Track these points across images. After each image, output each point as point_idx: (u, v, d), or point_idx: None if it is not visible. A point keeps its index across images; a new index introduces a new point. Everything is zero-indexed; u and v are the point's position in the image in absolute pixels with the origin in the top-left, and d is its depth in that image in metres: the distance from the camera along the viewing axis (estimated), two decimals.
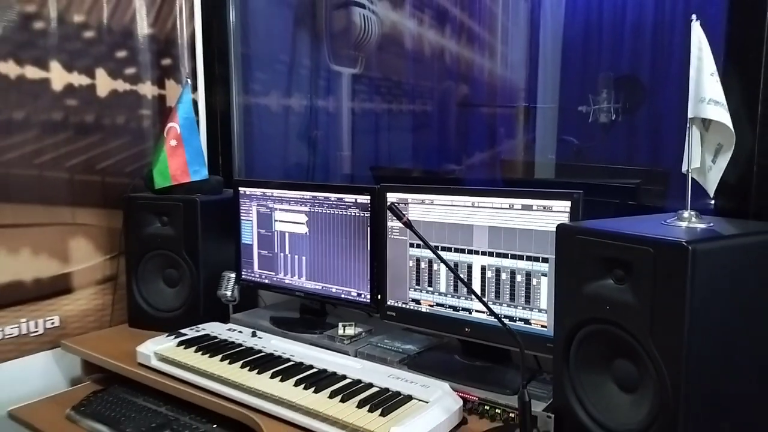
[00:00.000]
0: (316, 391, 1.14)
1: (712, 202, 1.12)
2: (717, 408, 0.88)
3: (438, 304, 1.28)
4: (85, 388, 1.53)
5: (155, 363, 1.38)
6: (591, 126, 2.00)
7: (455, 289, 1.25)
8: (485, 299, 1.20)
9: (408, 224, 1.02)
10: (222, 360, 1.31)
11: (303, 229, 1.53)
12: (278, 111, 2.33)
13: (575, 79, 2.11)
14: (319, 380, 1.18)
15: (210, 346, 1.39)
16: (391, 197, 1.32)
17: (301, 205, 1.52)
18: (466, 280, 1.22)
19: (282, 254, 1.59)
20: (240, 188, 1.66)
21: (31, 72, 1.57)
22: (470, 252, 1.21)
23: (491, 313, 1.04)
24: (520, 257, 1.15)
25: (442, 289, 1.27)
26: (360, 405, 1.07)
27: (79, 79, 1.68)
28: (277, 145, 2.35)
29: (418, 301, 1.32)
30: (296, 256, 1.55)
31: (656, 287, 0.86)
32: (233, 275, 1.67)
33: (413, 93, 2.41)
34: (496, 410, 1.12)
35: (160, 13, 1.88)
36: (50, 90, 1.62)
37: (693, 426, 0.86)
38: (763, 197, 1.12)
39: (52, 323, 1.66)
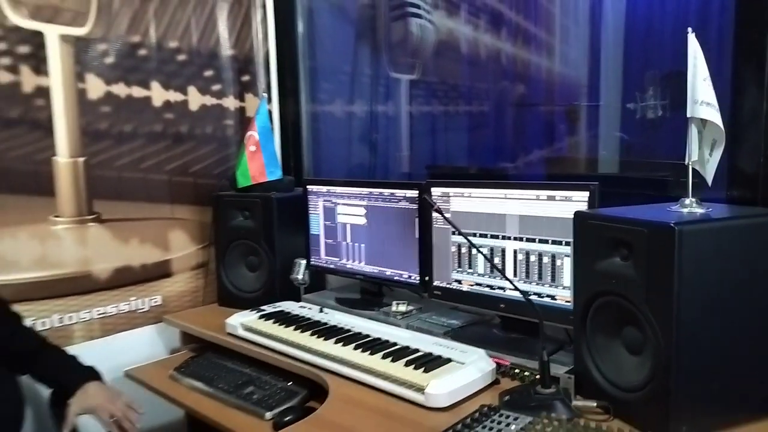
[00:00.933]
0: (371, 354, 1.36)
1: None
2: (707, 367, 1.02)
3: (477, 284, 1.48)
4: (183, 355, 1.83)
5: (241, 332, 1.65)
6: (639, 122, 2.09)
7: (491, 271, 1.44)
8: (517, 279, 1.38)
9: (438, 210, 1.22)
10: (295, 329, 1.56)
11: (362, 221, 1.76)
12: (342, 117, 2.57)
13: (627, 77, 2.18)
14: (375, 345, 1.40)
15: (285, 318, 1.65)
16: (436, 191, 1.53)
17: (359, 199, 1.76)
18: (500, 262, 1.40)
19: (344, 242, 1.83)
20: (308, 186, 1.92)
21: (137, 91, 1.89)
22: (504, 238, 1.40)
23: (516, 288, 1.22)
24: (546, 241, 1.33)
25: (480, 271, 1.47)
26: (407, 364, 1.28)
27: (174, 96, 1.99)
28: (341, 147, 2.59)
29: (459, 282, 1.52)
30: (356, 244, 1.79)
31: (650, 263, 1.01)
32: (304, 261, 1.92)
33: (469, 95, 2.55)
34: (525, 373, 1.29)
35: (240, 36, 2.17)
36: (151, 106, 1.93)
37: (684, 382, 1.01)
38: None
39: (156, 302, 1.98)
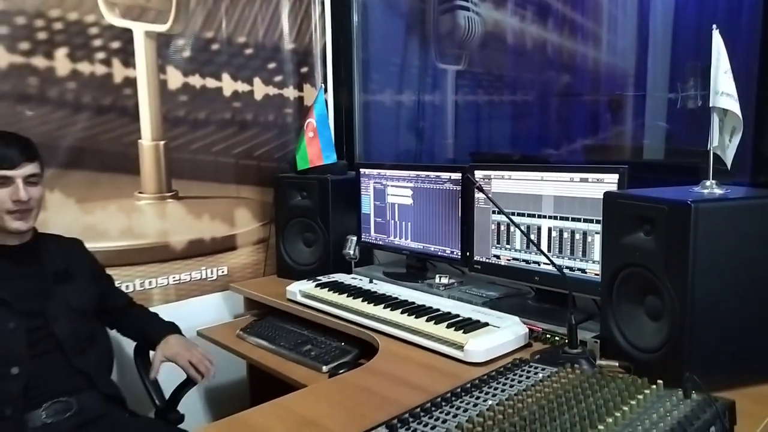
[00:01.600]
0: (416, 317, 1.52)
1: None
2: (718, 332, 1.13)
3: (514, 259, 1.62)
4: (247, 319, 2.04)
5: (300, 298, 1.85)
6: (679, 112, 2.16)
7: (527, 246, 1.58)
8: (551, 254, 1.52)
9: (480, 188, 1.37)
10: (348, 296, 1.74)
11: (408, 201, 1.92)
12: (391, 106, 2.73)
13: (674, 67, 2.23)
14: (419, 311, 1.56)
15: (339, 287, 1.83)
16: (478, 174, 1.67)
17: (407, 182, 1.92)
18: (536, 239, 1.54)
19: (392, 221, 2.00)
20: (360, 169, 2.09)
21: (210, 82, 2.11)
22: (539, 216, 1.54)
23: (550, 262, 1.36)
24: (579, 219, 1.46)
25: (517, 247, 1.61)
26: (448, 326, 1.44)
27: (242, 87, 2.20)
28: (390, 134, 2.75)
29: (498, 257, 1.66)
30: (403, 223, 1.96)
31: (669, 237, 1.13)
32: (355, 238, 2.10)
33: (514, 84, 2.64)
34: (555, 338, 1.43)
35: (300, 31, 2.36)
36: (222, 96, 2.15)
37: (697, 343, 1.12)
38: None
39: (222, 272, 2.21)
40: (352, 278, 1.95)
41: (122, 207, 1.92)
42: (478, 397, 1.02)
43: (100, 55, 1.82)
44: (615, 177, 1.38)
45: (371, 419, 1.05)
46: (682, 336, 1.13)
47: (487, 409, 0.94)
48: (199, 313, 2.11)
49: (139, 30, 1.90)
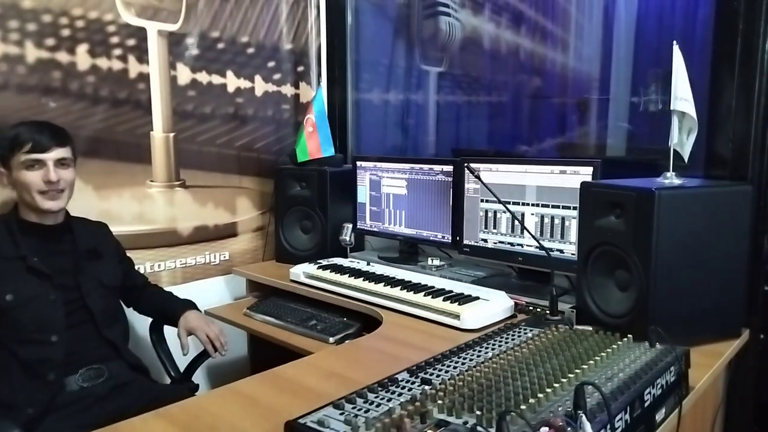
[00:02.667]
0: (414, 293, 1.71)
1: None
2: (676, 299, 1.35)
3: (500, 242, 1.83)
4: (250, 300, 2.20)
5: (303, 279, 2.02)
6: (641, 114, 2.40)
7: (512, 231, 1.79)
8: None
9: (478, 177, 1.56)
10: (350, 276, 1.92)
11: (403, 191, 2.11)
12: (379, 104, 2.91)
13: (636, 73, 2.46)
14: (416, 287, 1.75)
15: (339, 269, 2.00)
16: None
17: (402, 173, 2.10)
18: (520, 224, 1.75)
19: (387, 209, 2.18)
20: (358, 162, 2.27)
21: (216, 79, 2.25)
22: (524, 204, 1.74)
23: (540, 245, 1.57)
24: (558, 206, 1.67)
25: (503, 231, 1.82)
26: (444, 299, 1.63)
27: (244, 83, 2.34)
28: (378, 131, 2.93)
29: (486, 240, 1.87)
30: (397, 211, 2.14)
31: (637, 219, 1.35)
32: (350, 225, 2.28)
33: (490, 86, 2.85)
34: (537, 309, 1.64)
35: (297, 32, 2.51)
36: (226, 92, 2.29)
37: (658, 308, 1.34)
38: (738, 166, 1.57)
39: (224, 257, 2.35)
40: (350, 262, 2.12)
41: (135, 194, 2.05)
42: (479, 351, 1.21)
43: (117, 52, 1.94)
44: (590, 170, 1.60)
45: (389, 371, 1.24)
46: (646, 302, 1.35)
47: (489, 358, 1.14)
48: (204, 294, 2.24)
49: (153, 29, 2.03)
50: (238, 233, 2.39)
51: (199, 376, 2.13)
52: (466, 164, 1.61)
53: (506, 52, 2.76)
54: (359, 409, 0.95)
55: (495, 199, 1.81)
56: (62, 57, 1.82)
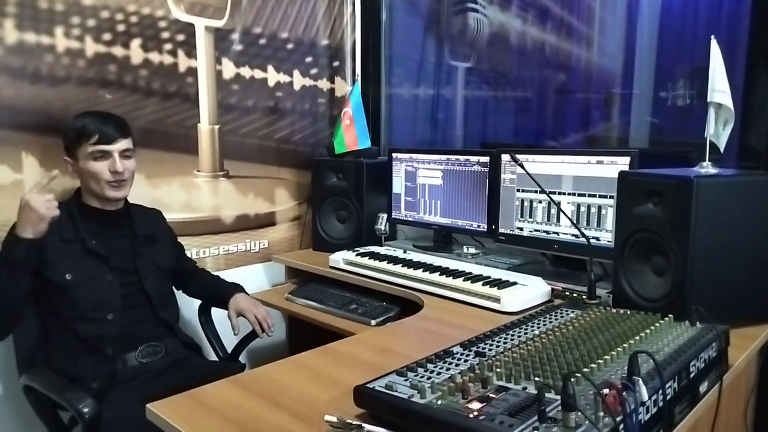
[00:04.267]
0: (453, 278, 1.78)
1: None
2: (713, 283, 1.41)
3: (536, 230, 1.89)
4: (289, 286, 2.28)
5: (343, 265, 2.10)
6: (669, 109, 2.44)
7: (548, 219, 1.85)
8: (569, 225, 1.79)
9: (522, 166, 1.63)
10: (389, 263, 1.99)
11: (438, 182, 2.18)
12: (408, 98, 2.98)
13: (659, 68, 2.51)
14: (455, 273, 1.82)
15: (377, 256, 2.08)
16: (505, 157, 1.94)
17: (438, 164, 2.18)
18: (557, 213, 1.81)
19: (422, 199, 2.25)
20: (393, 154, 2.35)
21: (258, 74, 2.33)
22: (560, 193, 1.81)
23: (581, 233, 1.62)
24: (594, 195, 1.73)
25: (539, 220, 1.88)
26: (484, 284, 1.70)
27: (283, 78, 2.42)
28: (407, 125, 3.00)
29: (521, 228, 1.93)
30: (433, 201, 2.22)
31: (675, 206, 1.41)
32: (385, 215, 2.35)
33: (516, 82, 2.92)
34: (573, 295, 1.70)
35: (333, 28, 2.59)
36: (267, 86, 2.37)
37: (696, 291, 1.40)
38: None
39: (263, 245, 2.44)
40: (387, 249, 2.20)
41: (183, 183, 2.14)
42: (525, 329, 1.28)
43: (168, 47, 2.04)
44: (627, 159, 1.65)
45: (437, 348, 1.31)
46: (683, 285, 1.41)
47: (537, 335, 1.21)
48: (245, 280, 2.31)
49: (200, 24, 2.12)
50: (276, 222, 2.48)
51: (242, 357, 2.22)
52: (511, 154, 1.67)
53: (532, 47, 2.80)
54: (421, 377, 1.02)
55: (532, 188, 1.88)
56: (117, 51, 1.91)
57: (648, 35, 2.47)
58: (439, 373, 1.03)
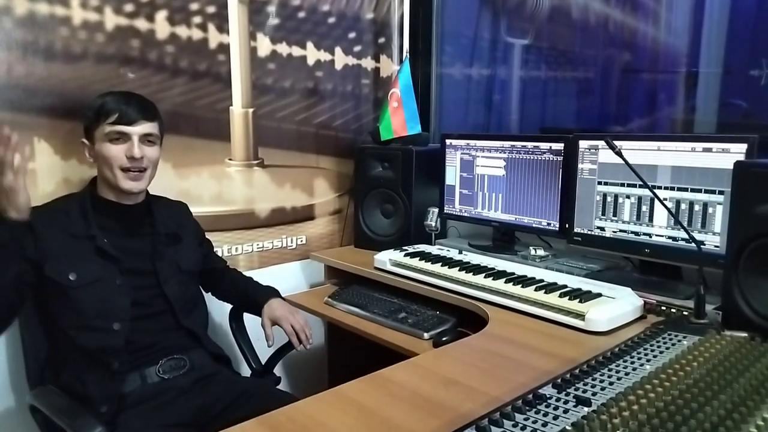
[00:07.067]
0: (523, 287, 1.51)
1: None
2: None
3: (621, 231, 1.60)
4: (329, 288, 2.05)
5: (390, 267, 1.85)
6: (762, 89, 2.10)
7: (638, 218, 1.55)
8: (665, 226, 1.49)
9: (620, 154, 1.34)
10: (443, 266, 1.73)
11: (501, 172, 1.91)
12: (460, 79, 2.70)
13: (744, 44, 2.18)
14: (524, 280, 1.55)
15: (429, 257, 1.82)
16: (583, 144, 1.65)
17: (500, 152, 1.90)
18: (648, 210, 1.52)
19: (481, 192, 1.98)
20: (447, 140, 2.07)
21: (296, 51, 2.09)
22: (655, 188, 1.51)
23: (690, 237, 1.32)
24: (699, 190, 1.43)
25: (626, 218, 1.58)
26: (561, 296, 1.43)
27: (324, 56, 2.18)
28: (459, 108, 2.73)
29: (602, 228, 1.64)
30: (493, 194, 1.94)
31: None
32: (436, 209, 2.09)
33: (577, 60, 2.62)
34: (671, 310, 1.41)
35: (379, 1, 2.33)
36: (306, 65, 2.13)
37: None
38: None
39: (301, 241, 2.22)
40: (439, 249, 1.94)
41: (214, 173, 1.93)
42: (632, 363, 1.01)
43: (197, 20, 1.81)
44: (743, 147, 1.34)
45: (515, 382, 1.06)
46: None
47: (653, 373, 0.93)
48: (280, 280, 2.11)
49: None
50: (315, 216, 2.25)
51: (276, 368, 2.01)
52: (607, 140, 1.38)
53: (595, 23, 2.51)
54: None
55: (616, 181, 1.59)
56: (141, 24, 1.70)
57: (719, 7, 2.15)
58: (534, 430, 0.78)
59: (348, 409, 0.98)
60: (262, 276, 1.99)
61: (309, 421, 0.93)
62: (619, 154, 1.33)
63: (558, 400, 0.86)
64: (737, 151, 1.36)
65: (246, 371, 1.73)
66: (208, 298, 1.70)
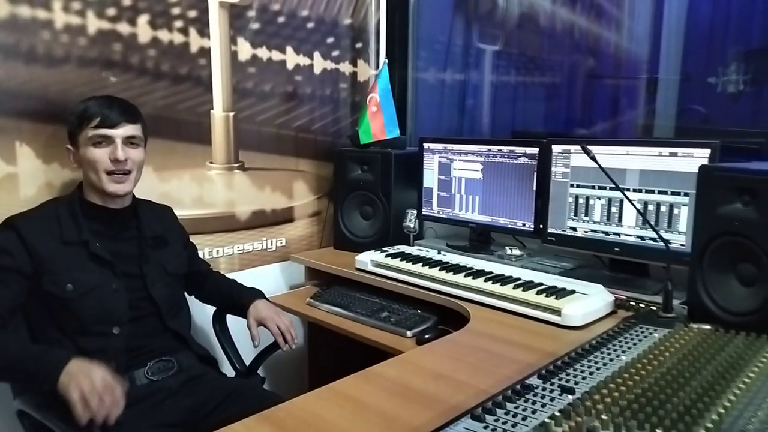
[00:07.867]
0: (502, 285, 1.58)
1: None
2: None
3: (592, 230, 1.69)
4: (309, 289, 2.08)
5: (371, 267, 1.90)
6: (719, 96, 2.23)
7: (608, 218, 1.64)
8: (634, 227, 1.58)
9: (594, 159, 1.42)
10: (423, 266, 1.79)
11: (478, 175, 1.97)
12: (434, 84, 2.77)
13: (701, 52, 2.31)
14: (502, 279, 1.62)
15: (409, 257, 1.87)
16: (556, 149, 1.73)
17: (477, 156, 1.96)
18: (618, 212, 1.61)
19: (458, 195, 2.05)
20: (424, 144, 2.13)
21: (276, 55, 2.12)
22: (624, 190, 1.59)
23: (659, 237, 1.41)
24: (666, 192, 1.52)
25: (597, 219, 1.67)
26: (538, 293, 1.50)
27: (303, 60, 2.21)
28: (433, 111, 2.79)
29: (575, 229, 1.72)
30: (470, 196, 2.01)
31: None
32: (414, 211, 2.14)
33: (545, 66, 2.72)
34: (640, 305, 1.50)
35: (356, 6, 2.37)
36: (286, 69, 2.16)
37: None
38: None
39: (281, 243, 2.24)
40: (418, 250, 2.00)
41: (195, 176, 1.94)
42: (609, 354, 1.08)
43: (178, 24, 1.82)
44: (707, 152, 1.44)
45: (500, 374, 1.12)
46: None
47: (630, 363, 1.00)
48: (261, 282, 2.11)
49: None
50: (294, 218, 2.27)
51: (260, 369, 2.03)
52: (582, 146, 1.46)
53: (561, 30, 2.62)
54: (504, 422, 0.83)
55: (587, 183, 1.67)
56: (123, 28, 1.70)
57: (677, 16, 2.28)
58: (524, 417, 0.83)
59: (344, 404, 1.02)
60: (243, 278, 2.00)
61: (309, 416, 0.97)
62: (593, 158, 1.41)
63: (544, 389, 0.93)
64: (701, 155, 1.45)
65: (230, 372, 1.75)
66: (190, 300, 1.71)
